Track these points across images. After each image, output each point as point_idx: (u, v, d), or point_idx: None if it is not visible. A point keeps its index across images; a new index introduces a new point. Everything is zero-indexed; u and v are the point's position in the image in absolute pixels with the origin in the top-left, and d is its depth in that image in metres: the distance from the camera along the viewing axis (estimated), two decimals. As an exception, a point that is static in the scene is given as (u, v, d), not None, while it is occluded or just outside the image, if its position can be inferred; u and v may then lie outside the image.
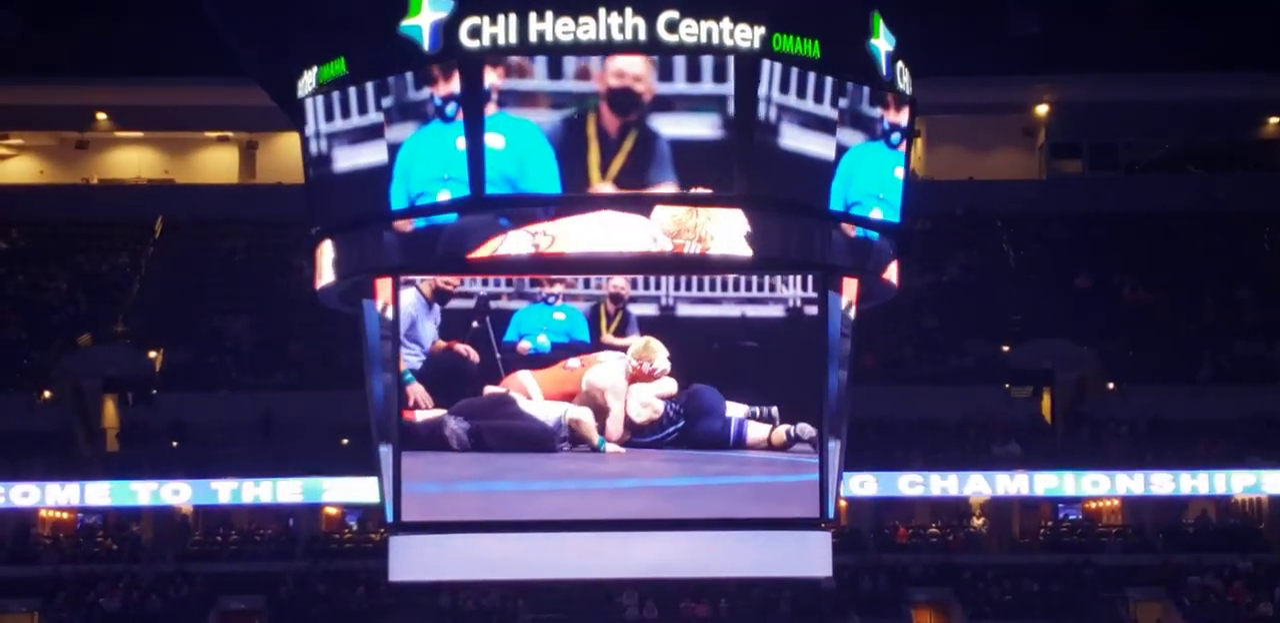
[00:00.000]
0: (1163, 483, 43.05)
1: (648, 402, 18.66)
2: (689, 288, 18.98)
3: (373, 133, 18.55)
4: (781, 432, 18.74)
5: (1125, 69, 51.75)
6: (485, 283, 18.76)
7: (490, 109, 17.66)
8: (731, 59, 17.88)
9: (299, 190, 20.01)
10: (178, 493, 42.49)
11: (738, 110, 17.91)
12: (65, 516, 45.10)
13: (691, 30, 18.03)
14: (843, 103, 18.50)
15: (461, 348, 18.61)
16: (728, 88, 17.81)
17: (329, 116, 18.93)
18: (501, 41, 17.91)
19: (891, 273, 19.99)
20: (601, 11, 17.93)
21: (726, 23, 18.08)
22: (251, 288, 50.81)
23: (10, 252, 52.87)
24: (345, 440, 41.98)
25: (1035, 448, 44.65)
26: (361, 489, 40.63)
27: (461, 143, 17.86)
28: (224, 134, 55.86)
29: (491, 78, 17.65)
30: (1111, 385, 47.18)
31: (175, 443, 44.79)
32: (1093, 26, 50.06)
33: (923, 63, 20.05)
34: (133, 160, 56.18)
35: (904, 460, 43.25)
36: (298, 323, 48.19)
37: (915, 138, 22.96)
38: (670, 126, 17.89)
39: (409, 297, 18.74)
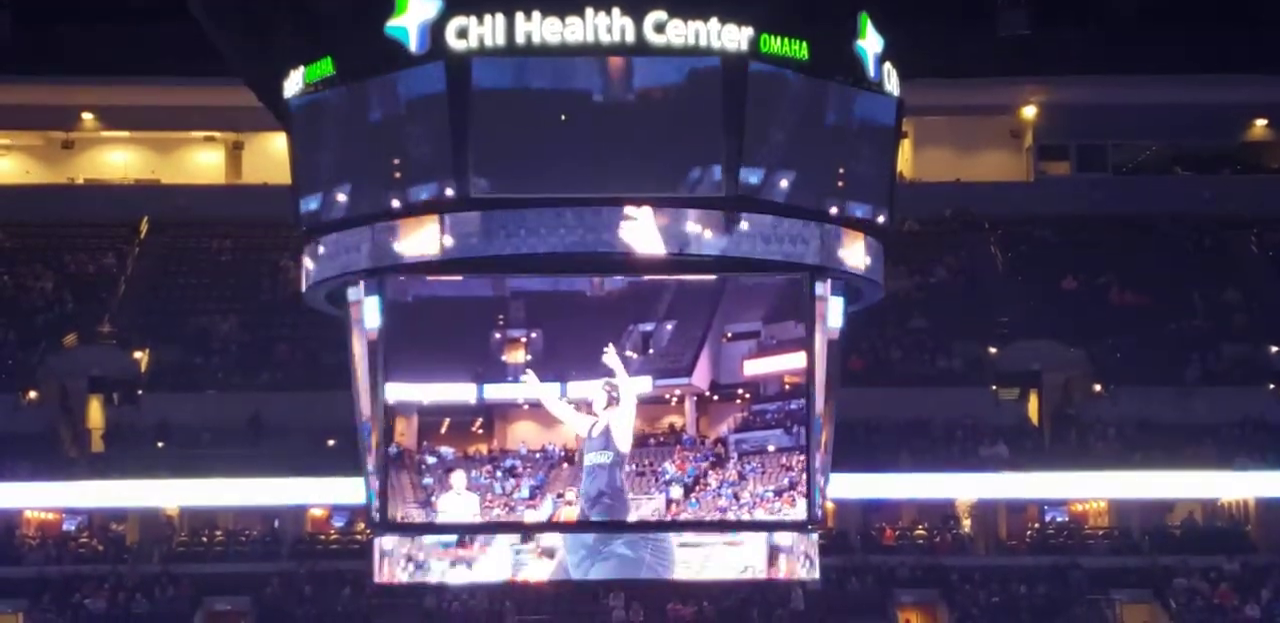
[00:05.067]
0: (1150, 485, 43.02)
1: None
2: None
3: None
4: None
5: (1113, 71, 51.70)
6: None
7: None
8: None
9: (285, 191, 19.98)
10: (163, 494, 42.34)
11: (727, 114, 17.88)
12: (50, 516, 44.93)
13: (679, 31, 18.01)
14: None
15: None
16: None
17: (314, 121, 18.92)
18: (489, 42, 17.89)
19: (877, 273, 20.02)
20: (589, 12, 17.89)
21: (714, 23, 18.06)
22: (238, 288, 50.67)
23: (-5, 252, 52.76)
24: (331, 441, 41.83)
25: (1022, 450, 44.59)
26: (348, 490, 40.44)
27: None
28: (210, 134, 55.67)
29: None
30: (1099, 387, 47.14)
31: (161, 444, 44.60)
32: (1081, 28, 50.08)
33: (910, 64, 20.03)
34: (119, 160, 55.99)
35: (891, 462, 43.18)
36: (285, 324, 48.07)
37: (902, 139, 22.96)
38: None
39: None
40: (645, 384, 19.00)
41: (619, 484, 18.98)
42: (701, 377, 19.21)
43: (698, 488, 19.08)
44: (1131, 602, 42.25)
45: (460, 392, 18.94)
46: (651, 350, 19.05)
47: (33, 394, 46.20)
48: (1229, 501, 45.65)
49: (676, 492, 19.04)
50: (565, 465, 19.05)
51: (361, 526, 42.77)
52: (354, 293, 19.63)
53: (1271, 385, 46.83)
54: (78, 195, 54.45)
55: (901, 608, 42.26)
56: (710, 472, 19.15)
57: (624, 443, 18.98)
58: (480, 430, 19.03)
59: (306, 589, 41.65)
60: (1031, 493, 43.88)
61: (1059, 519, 46.23)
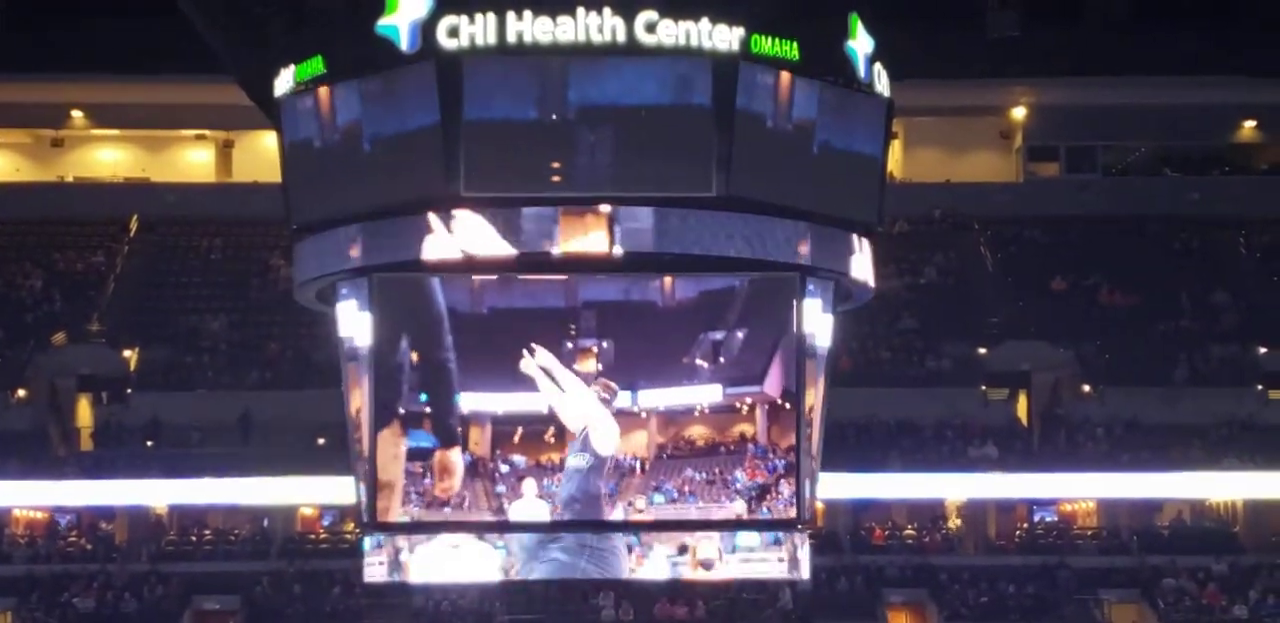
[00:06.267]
0: (1138, 485, 43.11)
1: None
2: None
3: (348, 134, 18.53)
4: None
5: (1103, 72, 51.83)
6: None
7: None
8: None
9: (276, 189, 19.94)
10: (153, 493, 42.31)
11: (717, 111, 17.89)
12: (39, 515, 44.92)
13: (670, 31, 18.00)
14: None
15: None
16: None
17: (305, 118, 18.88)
18: (480, 42, 17.87)
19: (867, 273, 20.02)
20: (580, 11, 17.89)
21: (705, 24, 18.05)
22: (228, 287, 50.67)
23: (-15, 250, 52.72)
24: (322, 440, 41.87)
25: (1011, 450, 44.72)
26: (338, 489, 40.44)
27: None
28: (200, 133, 55.64)
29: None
30: (1088, 388, 47.26)
31: (150, 442, 44.62)
32: (1071, 30, 50.16)
33: (901, 64, 20.05)
34: (108, 159, 55.96)
35: (881, 462, 43.26)
36: (274, 322, 48.07)
37: (893, 140, 22.99)
38: None
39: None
40: (716, 393, 18.97)
41: (594, 491, 18.89)
42: (773, 385, 19.10)
43: (769, 497, 19.01)
44: (1120, 602, 42.37)
45: (533, 401, 18.97)
46: (722, 359, 18.94)
47: (21, 393, 46.19)
48: (1217, 501, 45.78)
49: (740, 506, 18.97)
50: (637, 474, 19.01)
51: (351, 525, 42.81)
52: (344, 292, 19.63)
53: (1259, 386, 46.96)
54: (67, 193, 54.39)
55: (890, 608, 42.34)
56: (783, 481, 19.07)
57: (604, 447, 18.90)
58: (552, 440, 19.03)
59: (296, 588, 41.64)
60: (1020, 493, 43.97)
61: (1048, 519, 46.36)
